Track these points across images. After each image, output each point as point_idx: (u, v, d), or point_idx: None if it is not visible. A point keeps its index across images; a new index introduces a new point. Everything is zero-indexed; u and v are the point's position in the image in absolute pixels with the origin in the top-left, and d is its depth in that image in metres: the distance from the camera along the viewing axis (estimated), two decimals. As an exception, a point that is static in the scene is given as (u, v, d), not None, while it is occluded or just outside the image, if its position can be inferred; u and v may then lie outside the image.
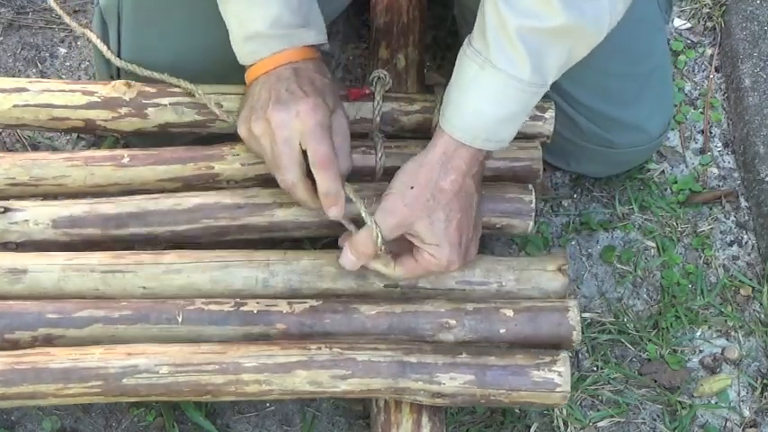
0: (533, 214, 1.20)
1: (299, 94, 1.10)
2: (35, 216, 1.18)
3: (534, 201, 1.19)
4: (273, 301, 1.13)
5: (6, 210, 1.18)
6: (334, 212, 1.11)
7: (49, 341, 1.11)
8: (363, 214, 1.09)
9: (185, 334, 1.11)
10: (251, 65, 1.15)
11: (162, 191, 1.21)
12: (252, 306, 1.12)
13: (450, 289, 1.17)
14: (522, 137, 1.27)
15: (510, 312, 1.13)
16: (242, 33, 1.13)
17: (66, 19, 1.34)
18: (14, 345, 1.10)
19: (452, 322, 1.13)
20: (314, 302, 1.13)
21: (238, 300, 1.13)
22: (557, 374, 1.09)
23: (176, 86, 1.23)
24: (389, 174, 1.21)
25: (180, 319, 1.12)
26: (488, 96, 1.06)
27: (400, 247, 1.12)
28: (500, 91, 1.05)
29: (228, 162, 1.21)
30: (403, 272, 1.12)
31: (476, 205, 1.12)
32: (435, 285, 1.16)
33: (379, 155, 1.22)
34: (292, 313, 1.12)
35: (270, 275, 1.15)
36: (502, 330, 1.13)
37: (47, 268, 1.15)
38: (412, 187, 1.09)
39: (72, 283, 1.14)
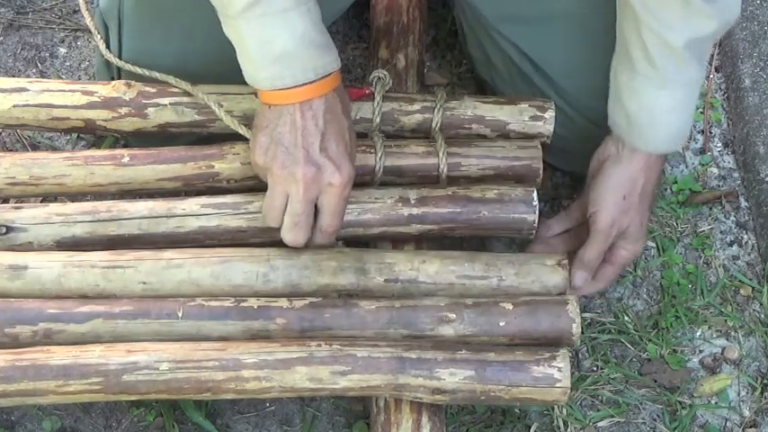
0: (534, 231, 1.21)
1: (329, 165, 1.09)
2: (38, 237, 1.17)
3: (537, 220, 1.20)
4: (273, 299, 1.13)
5: (8, 230, 1.17)
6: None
7: (48, 336, 1.11)
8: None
9: (186, 329, 1.11)
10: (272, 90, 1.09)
11: (161, 190, 1.22)
12: (252, 302, 1.13)
13: (451, 284, 1.17)
14: (522, 137, 1.27)
15: (509, 306, 1.13)
16: (267, 55, 1.06)
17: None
18: (15, 339, 1.11)
19: (452, 315, 1.13)
20: (313, 299, 1.13)
21: (238, 297, 1.13)
22: (556, 370, 1.09)
23: (176, 87, 1.23)
24: (389, 173, 1.21)
25: (180, 314, 1.12)
26: (675, 108, 1.19)
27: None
28: (684, 99, 1.19)
29: (229, 161, 1.21)
30: (604, 284, 1.29)
31: None
32: (436, 280, 1.16)
33: (379, 155, 1.22)
34: (292, 308, 1.12)
35: (270, 270, 1.15)
36: (502, 323, 1.13)
37: (47, 264, 1.14)
38: (624, 197, 1.22)
39: (72, 279, 1.14)
